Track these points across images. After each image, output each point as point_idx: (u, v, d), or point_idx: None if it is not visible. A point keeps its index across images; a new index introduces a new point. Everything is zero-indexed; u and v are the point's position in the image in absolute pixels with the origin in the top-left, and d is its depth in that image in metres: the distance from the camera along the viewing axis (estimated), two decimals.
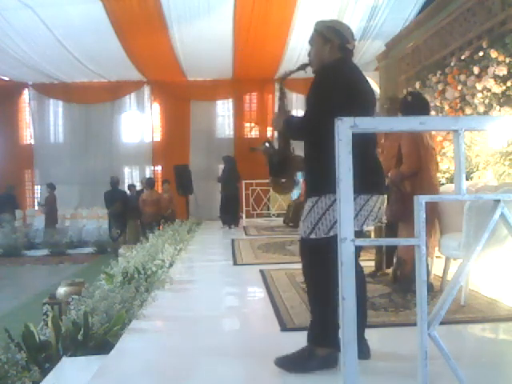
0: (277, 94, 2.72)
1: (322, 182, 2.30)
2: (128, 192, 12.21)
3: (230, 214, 9.72)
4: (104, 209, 12.26)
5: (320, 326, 2.33)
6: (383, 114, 4.33)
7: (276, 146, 2.73)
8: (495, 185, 4.29)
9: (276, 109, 2.71)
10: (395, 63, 8.77)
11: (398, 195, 3.88)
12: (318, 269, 2.32)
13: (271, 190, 3.16)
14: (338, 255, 2.33)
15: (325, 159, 2.23)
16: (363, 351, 2.40)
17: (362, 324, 2.38)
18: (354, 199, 2.24)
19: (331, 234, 2.24)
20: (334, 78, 2.33)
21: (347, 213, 1.24)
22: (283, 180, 2.74)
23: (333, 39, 2.41)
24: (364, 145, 2.30)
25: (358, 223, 2.29)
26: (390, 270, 4.27)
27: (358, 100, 2.30)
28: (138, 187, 12.55)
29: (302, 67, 2.55)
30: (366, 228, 2.44)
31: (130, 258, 5.19)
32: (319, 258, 2.31)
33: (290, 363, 2.31)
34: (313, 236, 2.29)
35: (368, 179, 2.27)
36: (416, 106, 3.85)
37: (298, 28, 10.19)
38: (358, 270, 2.45)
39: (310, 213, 2.31)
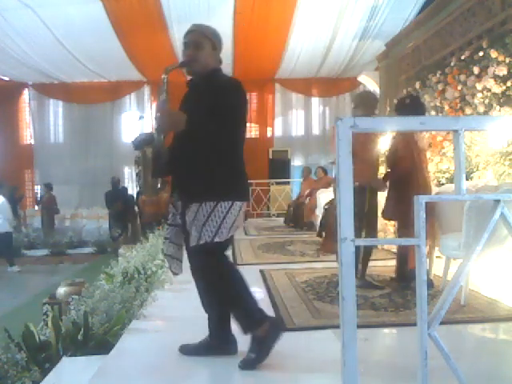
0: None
1: (219, 188, 2.37)
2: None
3: None
4: (104, 209, 12.26)
5: (245, 316, 2.44)
6: (356, 114, 4.24)
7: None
8: (495, 185, 4.29)
9: (161, 105, 2.50)
10: (395, 63, 8.77)
11: (394, 195, 3.91)
12: (222, 268, 2.44)
13: (146, 194, 2.66)
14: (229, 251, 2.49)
15: (226, 164, 2.39)
16: (231, 347, 2.56)
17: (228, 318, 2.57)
18: (231, 207, 2.37)
19: (229, 235, 2.41)
20: (230, 83, 2.45)
21: (347, 213, 1.24)
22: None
23: (218, 47, 2.56)
24: (232, 147, 2.42)
25: (235, 228, 2.42)
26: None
27: (246, 103, 2.52)
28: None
29: (182, 65, 2.50)
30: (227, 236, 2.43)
31: (129, 257, 5.19)
32: (220, 258, 2.43)
33: (252, 360, 2.38)
34: (217, 239, 2.35)
35: (239, 184, 2.44)
36: (413, 109, 3.87)
37: (298, 28, 10.20)
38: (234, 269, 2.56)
39: (211, 218, 2.35)
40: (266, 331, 2.38)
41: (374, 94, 4.64)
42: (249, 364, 2.38)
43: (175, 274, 2.63)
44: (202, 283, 2.55)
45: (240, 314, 2.45)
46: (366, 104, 4.01)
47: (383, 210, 4.08)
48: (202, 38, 2.49)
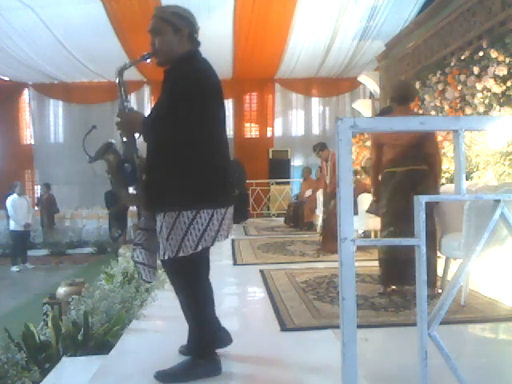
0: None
1: (182, 196, 2.12)
2: None
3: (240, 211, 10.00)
4: (104, 209, 12.25)
5: (200, 340, 2.31)
6: (392, 107, 4.04)
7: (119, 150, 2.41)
8: (495, 185, 4.29)
9: (119, 108, 2.31)
10: (395, 63, 8.77)
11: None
12: (191, 286, 2.23)
13: (123, 202, 2.52)
14: (204, 267, 2.32)
15: (188, 169, 2.11)
16: (225, 338, 2.45)
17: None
18: (196, 215, 2.10)
19: (199, 248, 2.14)
20: (197, 74, 2.16)
21: (347, 213, 1.24)
22: (131, 190, 2.36)
23: (183, 28, 2.23)
24: (207, 148, 2.15)
25: (209, 239, 2.16)
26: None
27: (218, 95, 2.25)
28: None
29: (144, 58, 2.25)
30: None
31: (130, 257, 5.19)
32: (190, 275, 2.22)
33: (171, 375, 2.22)
34: (181, 254, 2.12)
35: (215, 190, 2.17)
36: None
37: (298, 28, 10.20)
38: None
39: (174, 230, 2.11)
40: (207, 364, 2.26)
41: (410, 84, 4.25)
42: (165, 376, 2.22)
43: (148, 282, 2.44)
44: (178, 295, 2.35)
45: (197, 336, 2.31)
46: (402, 96, 3.76)
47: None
48: (159, 24, 2.20)
